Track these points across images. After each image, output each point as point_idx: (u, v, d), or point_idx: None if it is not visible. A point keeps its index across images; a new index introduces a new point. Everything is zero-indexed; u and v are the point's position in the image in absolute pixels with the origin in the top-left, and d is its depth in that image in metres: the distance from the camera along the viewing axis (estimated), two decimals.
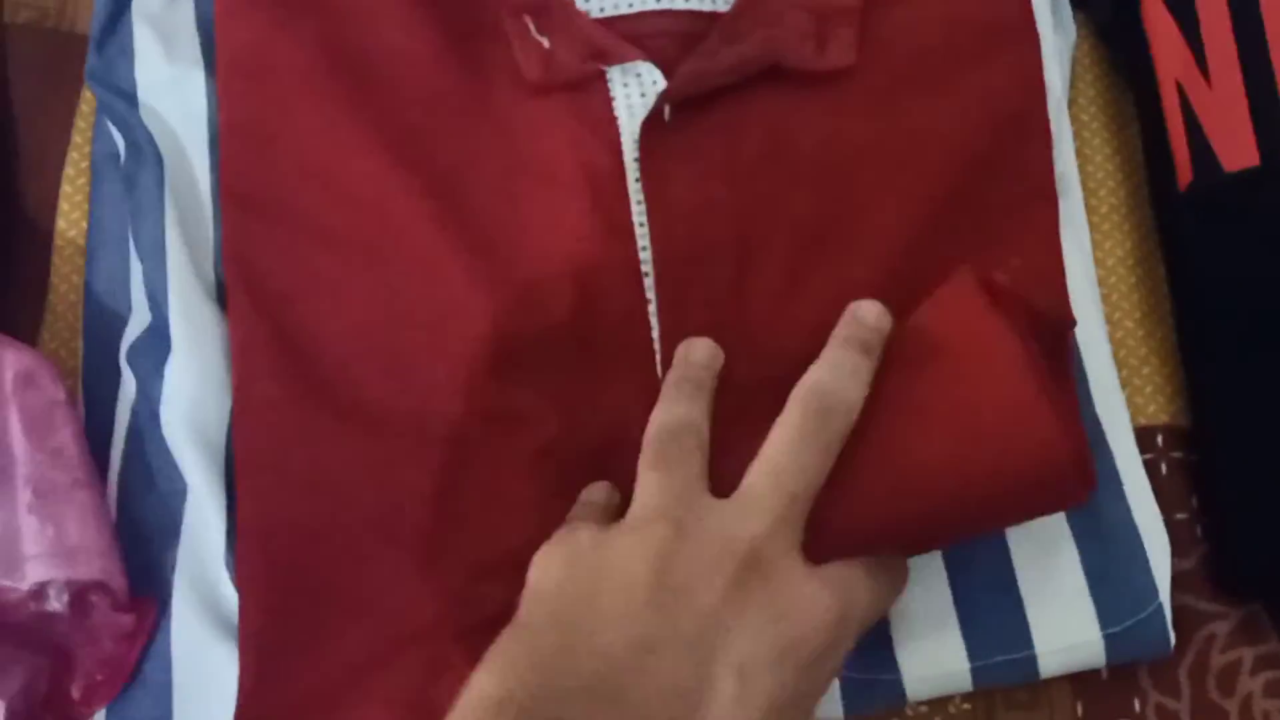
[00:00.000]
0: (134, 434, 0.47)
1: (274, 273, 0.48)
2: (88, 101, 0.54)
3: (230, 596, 0.45)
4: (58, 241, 0.52)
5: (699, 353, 0.45)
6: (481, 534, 0.45)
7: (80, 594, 0.42)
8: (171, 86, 0.50)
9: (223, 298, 0.48)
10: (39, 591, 0.41)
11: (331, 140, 0.49)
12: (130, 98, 0.50)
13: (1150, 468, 0.49)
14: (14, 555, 0.41)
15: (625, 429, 0.45)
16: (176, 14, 0.51)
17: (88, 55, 0.51)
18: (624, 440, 0.45)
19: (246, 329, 0.47)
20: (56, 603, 0.41)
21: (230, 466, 0.46)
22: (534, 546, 0.42)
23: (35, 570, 0.41)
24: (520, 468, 0.46)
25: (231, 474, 0.46)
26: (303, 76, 0.49)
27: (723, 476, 0.42)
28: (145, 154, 0.49)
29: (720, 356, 0.45)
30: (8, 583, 0.41)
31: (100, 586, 0.42)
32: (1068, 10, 0.54)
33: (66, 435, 0.43)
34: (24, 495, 0.42)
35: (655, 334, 0.47)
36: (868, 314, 0.44)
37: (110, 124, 0.51)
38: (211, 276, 0.48)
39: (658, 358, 0.47)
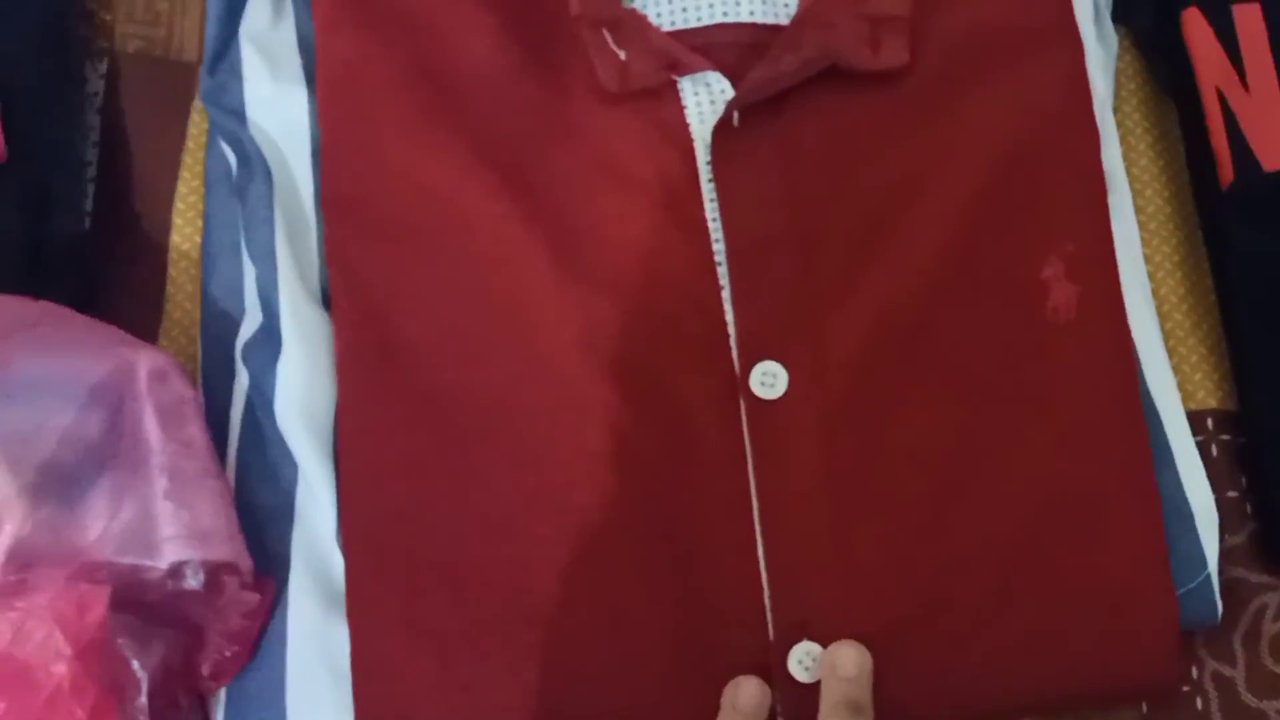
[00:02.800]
0: (249, 424, 0.49)
1: (371, 274, 0.50)
2: (195, 124, 0.56)
3: (341, 573, 0.47)
4: (173, 254, 0.54)
5: (747, 698, 0.46)
6: (557, 513, 0.47)
7: (212, 574, 0.44)
8: (276, 103, 0.53)
9: (327, 299, 0.50)
10: (176, 571, 0.43)
11: (422, 149, 0.51)
12: (240, 116, 0.53)
13: (1201, 449, 0.51)
14: (153, 538, 0.43)
15: (697, 411, 0.48)
16: (279, 34, 0.54)
17: (201, 78, 0.53)
18: (694, 424, 0.48)
19: (348, 326, 0.49)
20: (192, 581, 0.43)
21: (337, 452, 0.48)
22: (603, 521, 0.45)
23: (172, 551, 0.43)
24: (594, 451, 0.48)
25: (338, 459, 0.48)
26: (395, 89, 0.52)
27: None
28: (255, 168, 0.52)
29: (768, 696, 0.46)
30: (148, 562, 0.43)
31: (230, 567, 0.44)
32: (1109, 23, 0.56)
33: (195, 428, 0.46)
34: (160, 483, 0.44)
35: (729, 319, 0.49)
36: (846, 664, 0.46)
37: (222, 142, 0.53)
38: (316, 280, 0.51)
39: (731, 343, 0.49)
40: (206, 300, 0.52)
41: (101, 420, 0.45)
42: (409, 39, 0.52)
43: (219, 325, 0.51)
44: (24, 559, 0.43)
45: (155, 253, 0.54)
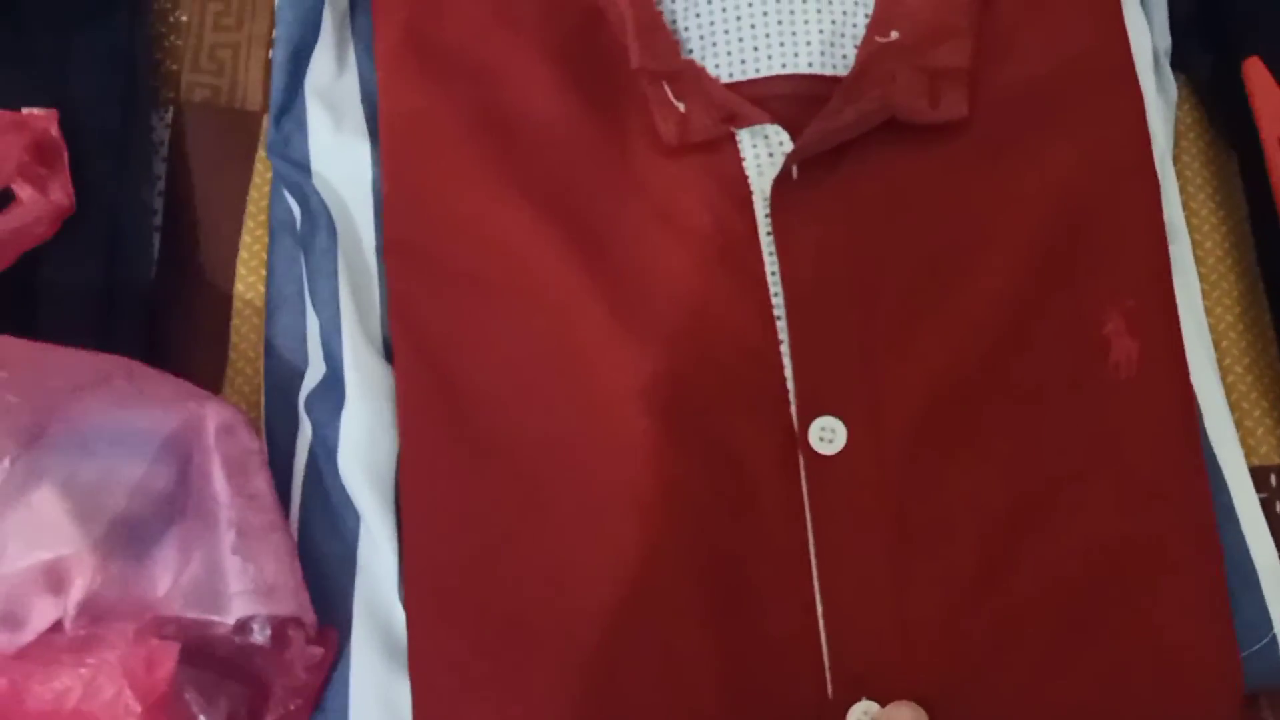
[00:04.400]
0: (312, 475, 0.49)
1: (433, 324, 0.50)
2: (259, 173, 0.57)
3: (404, 624, 0.47)
4: (237, 303, 0.55)
5: None
6: (614, 564, 0.47)
7: (278, 628, 0.44)
8: (340, 155, 0.53)
9: (388, 349, 0.50)
10: (243, 626, 0.43)
11: (483, 198, 0.51)
12: (304, 167, 0.53)
13: (1264, 507, 0.50)
14: (221, 593, 0.43)
15: (754, 465, 0.48)
16: (343, 86, 0.54)
17: (267, 131, 0.54)
18: (751, 477, 0.48)
19: (409, 377, 0.49)
20: (259, 636, 0.44)
21: (400, 503, 0.48)
22: (659, 574, 0.45)
23: (240, 606, 0.43)
24: (651, 503, 0.48)
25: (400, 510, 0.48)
26: (457, 139, 0.52)
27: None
28: (319, 219, 0.52)
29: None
30: (216, 618, 0.43)
31: (295, 621, 0.44)
32: (1169, 72, 0.55)
33: (261, 480, 0.46)
34: (228, 537, 0.44)
35: (787, 372, 0.49)
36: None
37: (286, 193, 0.53)
38: (378, 330, 0.51)
39: (790, 396, 0.49)
40: (270, 350, 0.52)
41: (171, 473, 0.45)
42: (471, 89, 0.52)
43: (282, 375, 0.52)
44: (94, 613, 0.43)
45: (219, 301, 0.55)
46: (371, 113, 0.54)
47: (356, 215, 0.53)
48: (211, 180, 0.57)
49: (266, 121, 0.57)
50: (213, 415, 0.46)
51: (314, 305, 0.51)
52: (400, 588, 0.47)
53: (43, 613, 0.43)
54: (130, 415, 0.45)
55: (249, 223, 0.56)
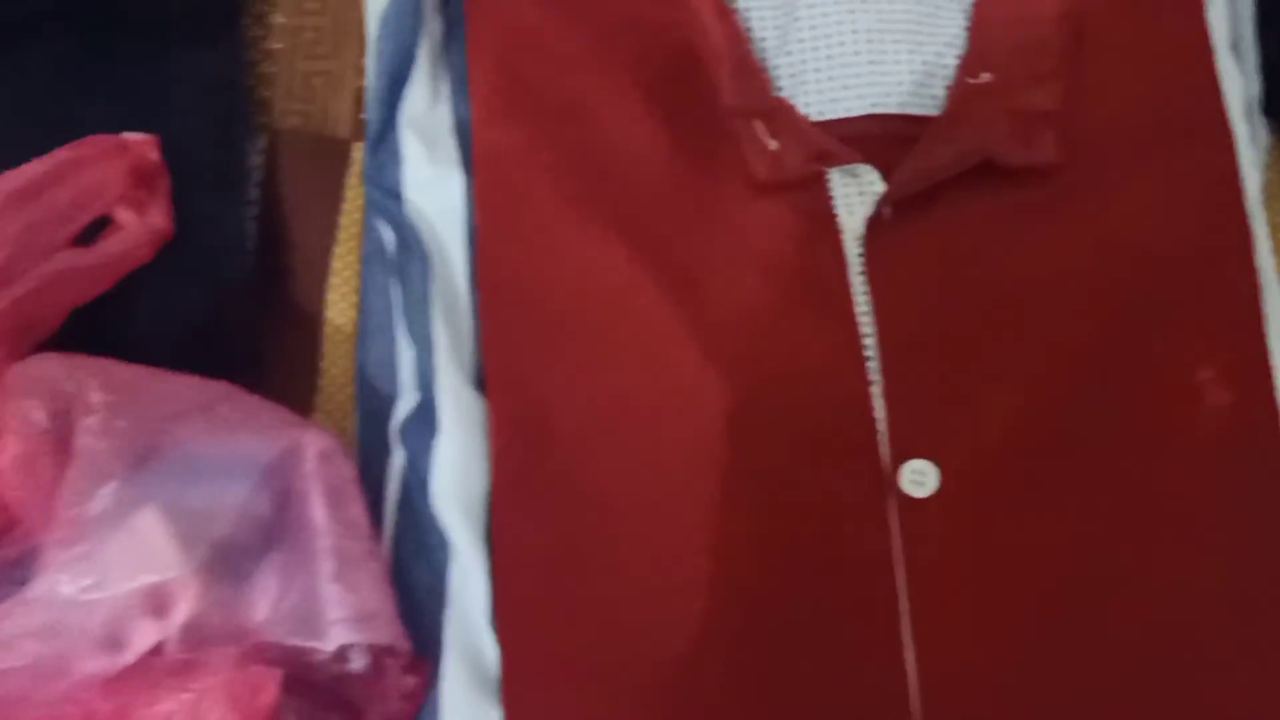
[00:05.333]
0: (404, 504, 0.49)
1: (524, 357, 0.50)
2: (349, 200, 0.57)
3: (494, 655, 0.47)
4: (328, 329, 0.55)
5: None
6: (700, 603, 0.47)
7: (375, 656, 0.44)
8: (433, 186, 0.53)
9: (479, 380, 0.50)
10: (341, 654, 0.43)
11: (575, 234, 0.51)
12: (398, 197, 0.53)
13: None
14: (321, 620, 0.43)
15: (841, 506, 0.48)
16: (436, 118, 0.54)
17: (362, 159, 0.54)
18: (838, 519, 0.48)
19: (501, 409, 0.49)
20: (357, 664, 0.44)
21: (490, 534, 0.48)
22: (744, 614, 0.45)
23: (339, 634, 0.43)
24: (738, 542, 0.48)
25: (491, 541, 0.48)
26: (550, 175, 0.52)
27: None
28: (414, 249, 0.52)
29: None
30: (316, 645, 0.43)
31: (391, 649, 0.44)
32: (1260, 119, 0.55)
33: (357, 509, 0.46)
34: (327, 565, 0.44)
35: (878, 415, 0.49)
36: None
37: (379, 221, 0.54)
38: (470, 361, 0.51)
39: (879, 438, 0.49)
40: (362, 378, 0.53)
41: (271, 500, 0.45)
42: (564, 127, 0.53)
43: (374, 403, 0.52)
44: (195, 637, 0.43)
45: (310, 327, 0.55)
46: (463, 145, 0.54)
47: (449, 246, 0.53)
48: (303, 207, 0.57)
49: (357, 150, 0.58)
50: (312, 442, 0.46)
51: (409, 334, 0.51)
52: (491, 620, 0.47)
53: (144, 635, 0.43)
54: (233, 441, 0.45)
55: (339, 250, 0.56)
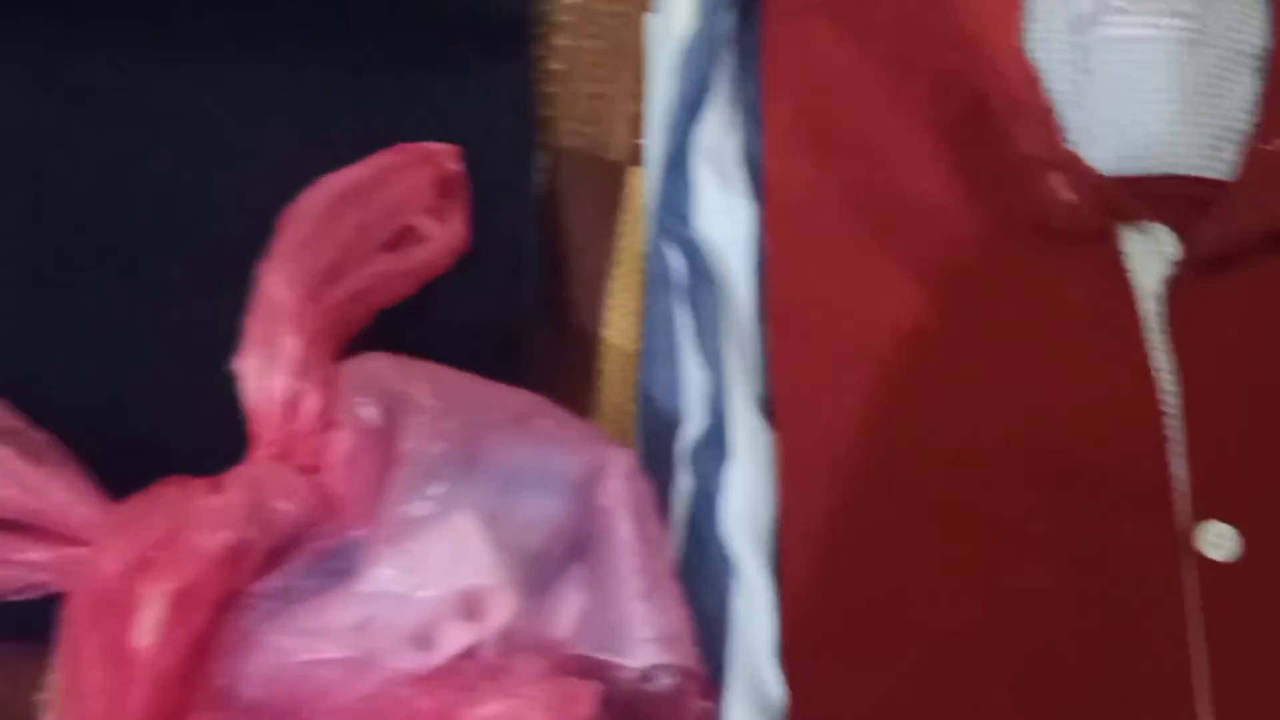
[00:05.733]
0: (691, 529, 0.50)
1: (811, 390, 0.50)
2: (626, 223, 0.58)
3: (778, 688, 0.47)
4: (604, 348, 0.56)
5: None
6: (983, 650, 0.47)
7: (677, 679, 0.44)
8: (723, 215, 0.54)
9: (767, 409, 0.51)
10: (648, 674, 0.44)
11: (867, 273, 0.52)
12: (689, 224, 0.54)
13: None
14: (629, 638, 0.44)
15: (1131, 562, 0.47)
16: (727, 147, 0.55)
17: (655, 185, 0.55)
18: (1126, 574, 0.47)
19: (790, 440, 0.50)
20: (660, 685, 0.44)
21: (777, 565, 0.48)
22: (1028, 667, 0.45)
23: (648, 653, 0.43)
24: (1022, 592, 0.48)
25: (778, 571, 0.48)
26: (840, 213, 0.52)
27: None
28: (706, 276, 0.53)
29: None
30: (624, 662, 0.43)
31: (690, 673, 0.45)
32: None
33: (657, 529, 0.46)
34: (634, 583, 0.44)
35: (1177, 472, 0.48)
36: None
37: (668, 247, 0.54)
38: (758, 389, 0.51)
39: (1174, 496, 0.48)
40: (644, 399, 0.53)
41: (579, 515, 0.45)
42: (857, 164, 0.53)
43: (657, 425, 0.52)
44: (505, 644, 0.44)
45: (588, 346, 0.56)
46: (753, 175, 0.55)
47: (736, 274, 0.53)
48: (581, 227, 0.58)
49: (632, 174, 0.59)
50: (618, 460, 0.46)
51: (701, 360, 0.52)
52: (776, 652, 0.47)
53: (455, 637, 0.44)
54: (547, 454, 0.45)
55: (617, 270, 0.57)
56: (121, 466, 0.46)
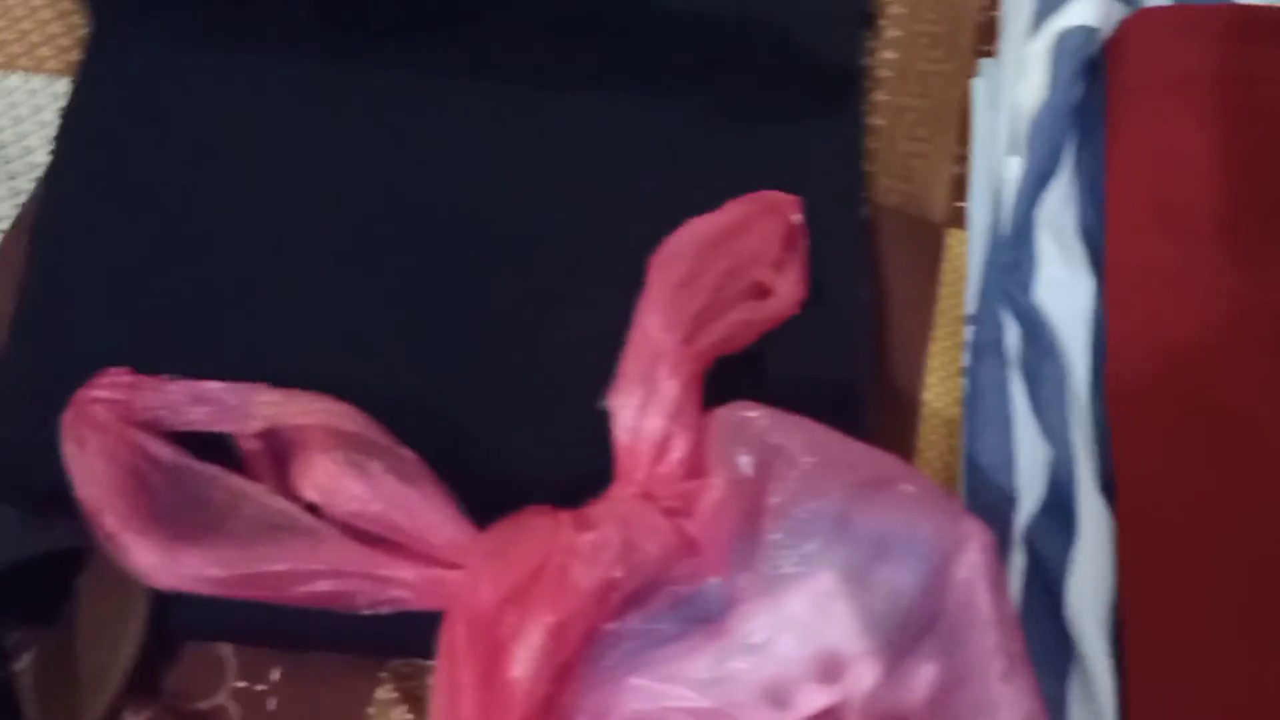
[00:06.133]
0: (1026, 607, 0.49)
1: (1153, 470, 0.49)
2: (945, 285, 0.57)
3: None
4: (924, 411, 0.55)
5: None
6: None
7: None
8: (1064, 288, 0.53)
9: (1103, 486, 0.50)
10: None
11: (1206, 355, 0.50)
12: (1029, 293, 0.53)
13: None
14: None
15: None
16: (1065, 218, 0.54)
17: (1000, 250, 0.54)
18: None
19: (1130, 520, 0.49)
20: None
21: (1116, 645, 0.47)
22: None
23: None
24: None
25: (1118, 653, 0.47)
26: (1187, 294, 0.51)
27: None
28: (1048, 350, 0.52)
29: None
30: None
31: None
32: None
33: (1012, 609, 0.45)
34: (997, 663, 0.43)
35: None
36: None
37: (1004, 314, 0.53)
38: (1096, 465, 0.50)
39: None
40: (972, 470, 0.52)
41: (938, 585, 0.45)
42: (1206, 248, 0.52)
43: (986, 497, 0.51)
44: (860, 711, 0.43)
45: (907, 409, 0.55)
46: (1090, 249, 0.54)
47: (1074, 348, 0.52)
48: (899, 286, 0.57)
49: (951, 236, 0.58)
50: (977, 533, 0.45)
51: (1043, 435, 0.51)
52: None
53: (812, 699, 0.44)
54: (912, 521, 0.45)
55: (936, 333, 0.56)
56: (475, 488, 0.46)
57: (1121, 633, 0.48)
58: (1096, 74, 0.56)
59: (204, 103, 0.56)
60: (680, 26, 0.57)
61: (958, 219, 0.58)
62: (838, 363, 0.53)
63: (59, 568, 0.47)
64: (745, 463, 0.44)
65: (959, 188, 0.59)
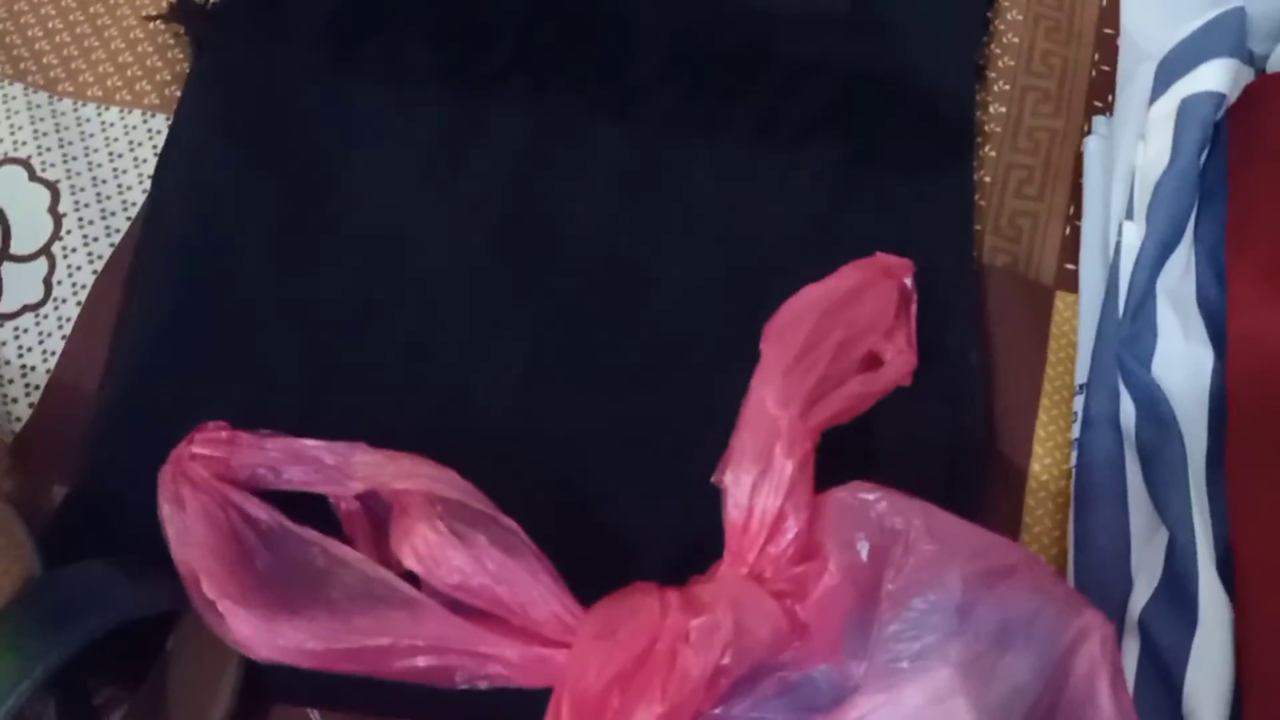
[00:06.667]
0: (1141, 691, 0.47)
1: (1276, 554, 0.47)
2: (1054, 351, 0.55)
3: None
4: (1031, 483, 0.53)
5: None
6: None
7: None
8: (1182, 362, 0.51)
9: (1224, 571, 0.48)
10: None
11: None
12: (1149, 368, 0.51)
13: None
14: None
15: None
16: (1184, 289, 0.52)
17: (1119, 324, 0.52)
18: None
19: (1253, 607, 0.47)
20: None
21: None
22: None
23: None
24: None
25: None
26: None
27: None
28: (1169, 428, 0.50)
29: None
30: None
31: None
32: None
33: (1130, 701, 0.43)
34: None
35: None
36: None
37: (1123, 388, 0.51)
38: (1211, 550, 0.48)
39: None
40: (1083, 548, 0.50)
41: (1057, 678, 0.43)
42: None
43: (1098, 577, 0.50)
44: None
45: (1016, 478, 0.53)
46: (1210, 322, 0.52)
47: (1193, 427, 0.50)
48: (1007, 350, 0.55)
49: (1060, 299, 0.56)
50: (1098, 625, 0.44)
51: (1163, 517, 0.49)
52: None
53: None
54: (1033, 612, 0.43)
55: (1045, 401, 0.54)
56: (578, 559, 0.45)
57: None
58: (1218, 139, 0.54)
59: (309, 143, 0.55)
60: (796, 74, 0.56)
61: (1067, 282, 0.57)
62: (948, 432, 0.51)
63: (153, 625, 0.46)
64: (863, 547, 0.42)
65: (1070, 249, 0.57)
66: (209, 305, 0.51)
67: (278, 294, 0.51)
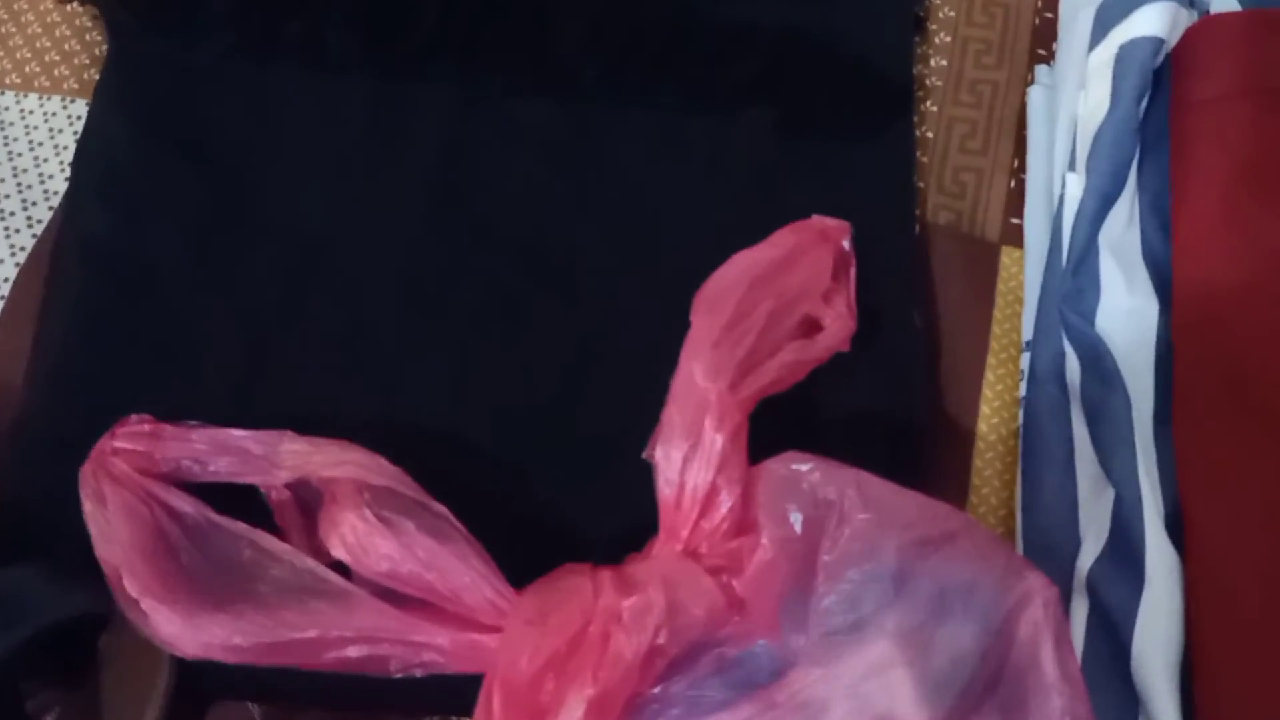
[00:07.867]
0: (1088, 653, 0.46)
1: (1223, 514, 0.46)
2: (1000, 309, 0.54)
3: None
4: (979, 443, 0.52)
5: None
6: None
7: None
8: (1128, 317, 0.50)
9: (1173, 529, 0.47)
10: None
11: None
12: (1093, 323, 0.50)
13: None
14: None
15: None
16: (1128, 241, 0.51)
17: (1060, 276, 0.51)
18: None
19: (1200, 566, 0.46)
20: None
21: (1185, 698, 0.45)
22: None
23: None
24: None
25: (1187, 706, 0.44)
26: (1258, 316, 0.48)
27: None
28: (1114, 384, 0.49)
29: None
30: None
31: None
32: None
33: (1076, 666, 0.43)
34: None
35: None
36: None
37: (1066, 345, 0.50)
38: (1161, 506, 0.47)
39: None
40: (1030, 509, 0.49)
41: (999, 644, 0.42)
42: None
43: (1045, 539, 0.49)
44: None
45: (961, 438, 0.52)
46: (1155, 274, 0.51)
47: (1138, 381, 0.49)
48: (952, 309, 0.54)
49: (1006, 255, 0.55)
50: (1042, 589, 0.43)
51: (1109, 475, 0.48)
52: None
53: None
54: (972, 578, 0.42)
55: (991, 360, 0.53)
56: (509, 542, 0.43)
57: (1192, 685, 0.45)
58: (1159, 86, 0.53)
59: (229, 125, 0.53)
60: (726, 40, 0.54)
61: (1013, 237, 0.55)
62: (891, 396, 0.50)
63: (85, 626, 0.45)
64: (796, 520, 0.41)
65: (1015, 204, 0.56)
66: (128, 304, 0.50)
67: (200, 289, 0.50)
